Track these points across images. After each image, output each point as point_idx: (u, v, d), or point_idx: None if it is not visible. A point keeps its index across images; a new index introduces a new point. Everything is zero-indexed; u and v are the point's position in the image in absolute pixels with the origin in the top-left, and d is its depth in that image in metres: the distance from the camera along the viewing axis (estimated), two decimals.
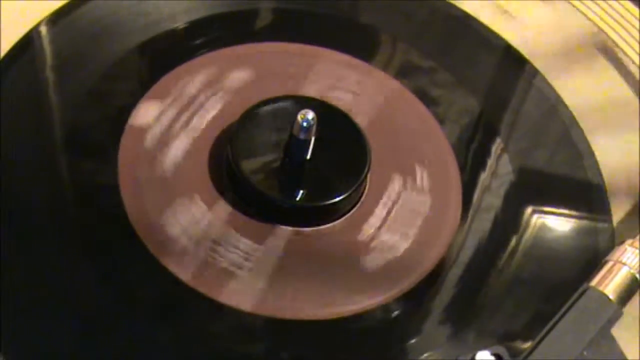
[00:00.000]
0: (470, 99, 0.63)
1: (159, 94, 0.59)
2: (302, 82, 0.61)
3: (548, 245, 0.57)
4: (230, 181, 0.56)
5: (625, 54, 0.66)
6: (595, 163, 0.60)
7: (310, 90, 0.61)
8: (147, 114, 0.58)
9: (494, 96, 0.64)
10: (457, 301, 0.53)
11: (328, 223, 0.55)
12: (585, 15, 0.68)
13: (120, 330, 0.50)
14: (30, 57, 0.60)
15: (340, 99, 0.60)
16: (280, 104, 0.58)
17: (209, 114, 0.59)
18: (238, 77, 0.61)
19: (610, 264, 0.50)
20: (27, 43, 0.60)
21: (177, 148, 0.57)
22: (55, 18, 0.61)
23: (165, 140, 0.57)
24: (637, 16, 0.68)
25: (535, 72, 0.65)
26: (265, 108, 0.57)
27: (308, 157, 0.55)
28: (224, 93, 0.60)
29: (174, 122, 0.58)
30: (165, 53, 0.62)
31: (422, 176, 0.58)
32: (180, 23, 0.63)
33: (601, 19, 0.68)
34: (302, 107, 0.54)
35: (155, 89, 0.59)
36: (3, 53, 0.59)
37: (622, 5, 0.68)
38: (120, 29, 0.62)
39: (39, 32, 0.61)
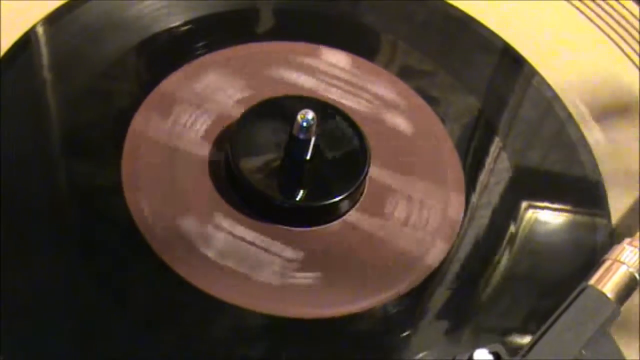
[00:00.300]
0: (470, 99, 0.63)
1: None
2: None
3: (547, 243, 0.57)
4: (231, 182, 0.56)
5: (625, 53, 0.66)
6: (594, 161, 0.60)
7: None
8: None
9: (493, 95, 0.64)
10: (456, 300, 0.54)
11: (327, 223, 0.55)
12: (586, 15, 0.68)
13: (121, 332, 0.50)
14: (30, 57, 0.60)
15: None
16: (280, 104, 0.58)
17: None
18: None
19: (609, 262, 0.50)
20: (26, 43, 0.60)
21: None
22: (54, 18, 0.62)
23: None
24: (637, 16, 0.68)
25: (533, 71, 0.65)
26: (265, 108, 0.57)
27: (308, 157, 0.56)
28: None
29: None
30: (165, 52, 0.62)
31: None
32: (179, 22, 0.63)
33: (601, 19, 0.68)
34: (302, 107, 0.54)
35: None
36: (2, 53, 0.59)
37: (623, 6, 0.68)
38: (119, 28, 0.62)
39: (37, 32, 0.61)
